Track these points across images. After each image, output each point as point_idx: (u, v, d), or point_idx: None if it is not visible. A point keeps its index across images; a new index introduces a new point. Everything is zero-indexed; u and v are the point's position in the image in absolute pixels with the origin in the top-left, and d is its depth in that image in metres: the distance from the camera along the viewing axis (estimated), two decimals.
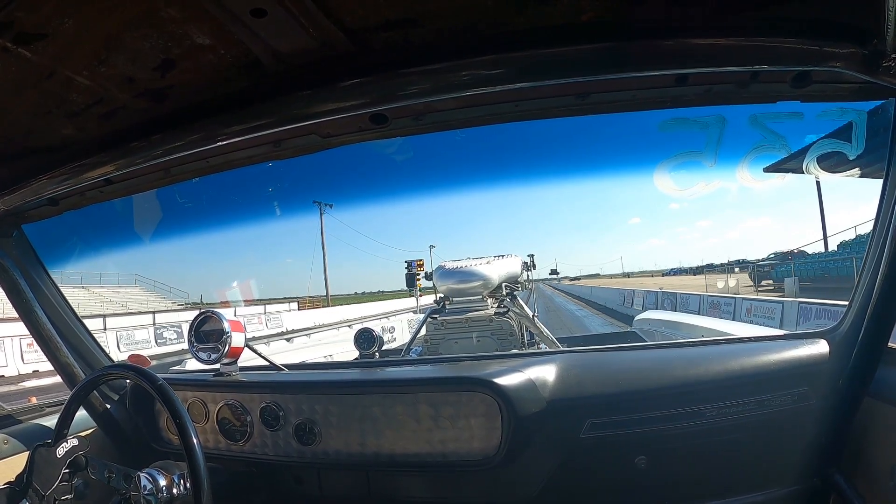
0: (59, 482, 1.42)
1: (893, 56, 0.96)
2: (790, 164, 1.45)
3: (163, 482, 1.38)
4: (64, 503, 1.44)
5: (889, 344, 1.45)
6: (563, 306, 29.76)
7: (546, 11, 0.97)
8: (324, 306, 33.66)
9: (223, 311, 1.88)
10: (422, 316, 3.87)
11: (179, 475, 1.41)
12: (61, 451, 1.43)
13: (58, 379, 2.03)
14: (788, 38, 1.00)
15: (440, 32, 1.02)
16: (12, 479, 1.74)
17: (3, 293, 1.87)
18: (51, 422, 1.88)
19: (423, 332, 3.56)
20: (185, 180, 1.59)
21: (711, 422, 1.53)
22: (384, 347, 2.79)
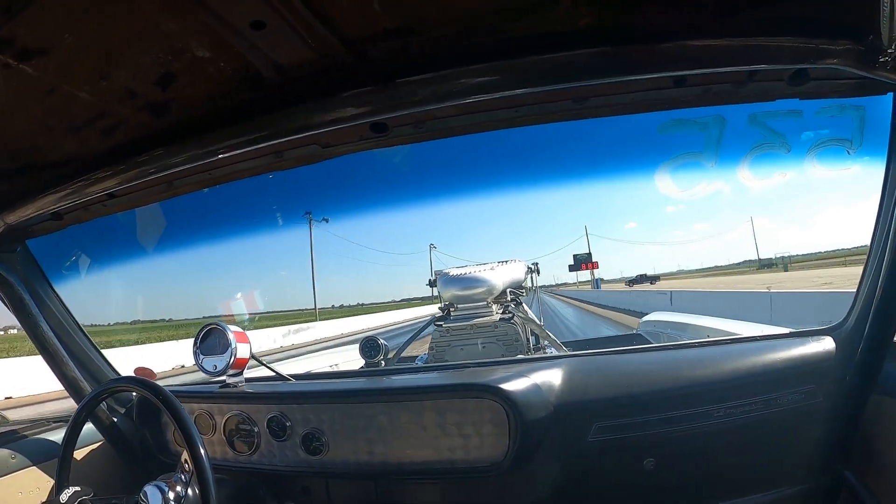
0: None
1: (890, 51, 0.96)
2: (791, 160, 1.45)
3: (171, 494, 1.38)
4: None
5: (895, 339, 1.45)
6: None
7: (544, 17, 0.98)
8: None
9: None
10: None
11: (185, 485, 1.41)
12: (64, 497, 1.42)
13: None
14: (784, 36, 1.01)
15: (438, 41, 1.02)
16: (20, 493, 1.75)
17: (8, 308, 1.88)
18: (57, 436, 1.88)
19: (427, 339, 3.55)
20: (188, 193, 1.60)
21: (719, 422, 1.52)
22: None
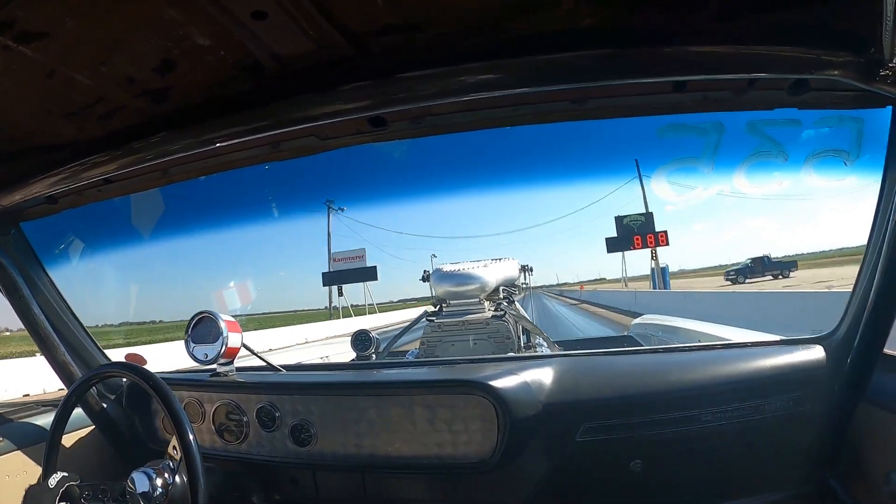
0: None
1: (890, 65, 0.97)
2: (787, 170, 1.46)
3: (158, 481, 1.38)
4: None
5: (885, 350, 1.46)
6: None
7: (546, 17, 0.98)
8: None
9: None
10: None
11: (173, 472, 1.41)
12: (52, 482, 1.41)
13: None
14: (786, 45, 1.01)
15: (440, 37, 1.02)
16: (7, 477, 1.74)
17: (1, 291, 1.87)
18: (45, 420, 1.88)
19: (419, 334, 3.55)
20: (184, 180, 1.60)
21: (707, 426, 1.53)
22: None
